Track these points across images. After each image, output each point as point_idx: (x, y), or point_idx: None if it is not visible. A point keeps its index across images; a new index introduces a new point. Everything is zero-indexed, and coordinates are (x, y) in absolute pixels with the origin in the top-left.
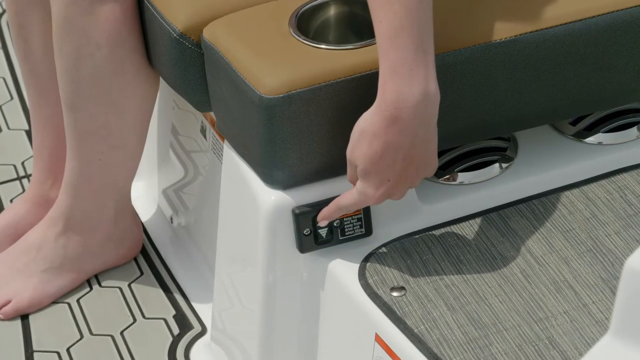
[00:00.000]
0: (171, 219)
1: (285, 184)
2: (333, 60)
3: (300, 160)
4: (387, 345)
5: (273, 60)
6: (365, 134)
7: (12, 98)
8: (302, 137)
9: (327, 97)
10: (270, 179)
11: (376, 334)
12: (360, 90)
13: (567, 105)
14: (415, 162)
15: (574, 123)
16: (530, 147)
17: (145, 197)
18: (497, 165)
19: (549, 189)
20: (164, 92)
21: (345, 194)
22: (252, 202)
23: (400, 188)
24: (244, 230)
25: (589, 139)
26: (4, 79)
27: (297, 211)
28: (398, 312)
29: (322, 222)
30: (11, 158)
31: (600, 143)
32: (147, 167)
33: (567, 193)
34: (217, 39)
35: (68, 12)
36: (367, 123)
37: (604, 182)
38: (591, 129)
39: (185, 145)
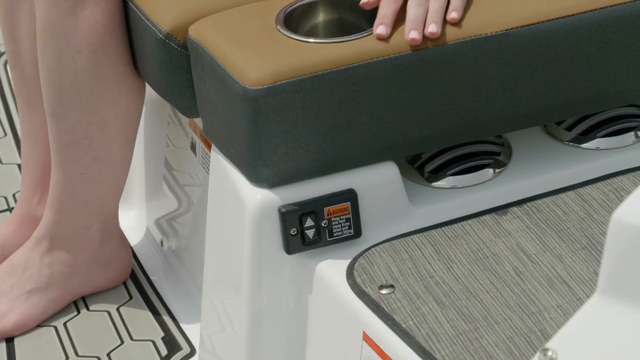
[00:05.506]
0: (161, 242)
1: (271, 182)
2: (319, 52)
3: (287, 156)
4: (375, 343)
5: (258, 53)
6: None
7: (5, 134)
8: (288, 131)
9: (313, 90)
10: (256, 177)
11: (364, 332)
12: (347, 83)
13: (560, 105)
14: None
15: (569, 129)
16: (525, 152)
17: (135, 222)
18: (490, 169)
19: (543, 192)
20: (156, 123)
21: None
22: (237, 202)
23: None
24: (230, 233)
25: (585, 145)
26: None
27: (283, 210)
28: (386, 309)
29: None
30: (2, 190)
31: (597, 148)
32: (138, 195)
33: (562, 195)
34: (203, 35)
35: (50, 14)
36: None
37: (599, 184)
38: (586, 134)
39: (177, 175)
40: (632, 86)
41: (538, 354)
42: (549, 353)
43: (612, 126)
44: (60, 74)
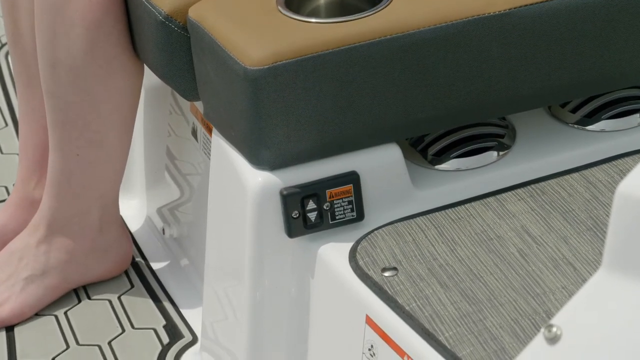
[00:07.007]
0: (163, 230)
1: (272, 164)
2: (320, 32)
3: (288, 137)
4: (377, 326)
5: (258, 33)
6: None
7: (6, 125)
8: (289, 112)
9: (314, 70)
10: (257, 159)
11: (367, 315)
12: (349, 64)
13: (564, 86)
14: None
15: (573, 111)
16: (529, 134)
17: (137, 211)
18: (494, 151)
19: (547, 174)
20: (157, 112)
21: None
22: (238, 185)
23: None
24: (231, 216)
25: (589, 127)
26: None
27: (284, 192)
28: (389, 291)
29: None
30: (3, 180)
31: (602, 130)
32: (139, 184)
33: (567, 177)
34: (203, 17)
35: None
36: None
37: (604, 166)
38: (591, 117)
39: (178, 164)
40: (637, 67)
41: (543, 330)
42: (554, 329)
43: (617, 108)
44: (54, 50)
